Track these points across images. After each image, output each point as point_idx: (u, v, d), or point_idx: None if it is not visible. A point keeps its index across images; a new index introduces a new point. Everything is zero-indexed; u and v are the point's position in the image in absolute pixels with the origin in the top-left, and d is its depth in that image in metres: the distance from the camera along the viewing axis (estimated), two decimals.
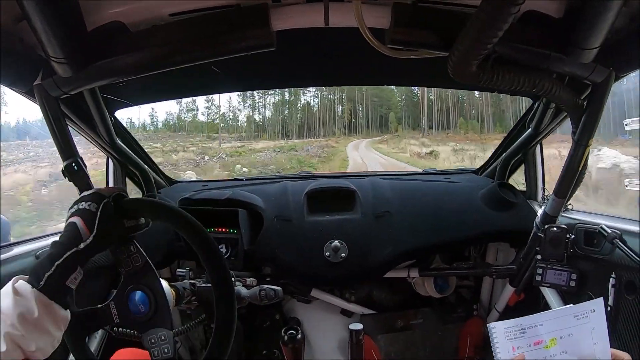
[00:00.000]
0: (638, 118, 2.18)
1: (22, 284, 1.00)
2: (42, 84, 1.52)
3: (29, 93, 1.57)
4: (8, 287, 0.98)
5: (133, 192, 2.48)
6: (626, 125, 2.17)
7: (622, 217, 1.87)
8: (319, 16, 1.48)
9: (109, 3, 1.41)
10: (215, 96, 35.70)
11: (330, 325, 2.49)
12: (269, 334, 2.40)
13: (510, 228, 2.23)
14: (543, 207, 2.00)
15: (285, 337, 2.03)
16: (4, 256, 1.61)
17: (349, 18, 1.41)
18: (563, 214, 2.02)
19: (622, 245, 1.66)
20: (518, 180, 2.55)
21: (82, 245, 1.07)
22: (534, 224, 2.02)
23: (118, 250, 1.20)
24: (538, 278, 1.97)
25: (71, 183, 1.66)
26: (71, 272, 1.05)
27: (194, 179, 2.93)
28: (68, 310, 1.05)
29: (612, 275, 1.69)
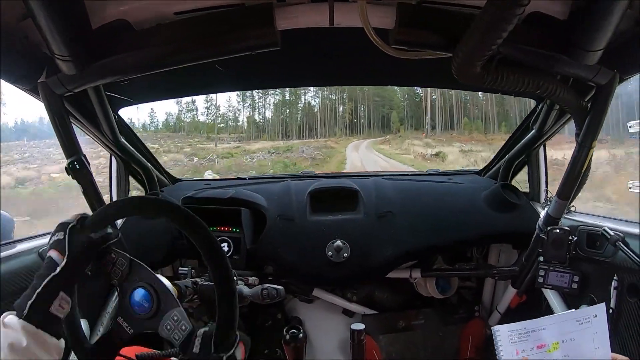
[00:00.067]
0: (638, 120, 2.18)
1: (10, 317, 1.02)
2: (47, 81, 1.52)
3: (33, 90, 1.58)
4: None
5: (135, 191, 2.49)
6: (630, 127, 2.17)
7: (625, 220, 1.87)
8: (323, 16, 1.48)
9: (113, 1, 1.42)
10: (215, 96, 35.65)
11: (332, 325, 2.49)
12: (270, 333, 2.41)
13: (512, 229, 2.23)
14: (546, 209, 2.00)
15: (287, 337, 2.04)
16: (7, 253, 1.62)
17: (354, 18, 1.41)
18: (566, 216, 2.02)
19: (625, 248, 1.66)
20: (521, 181, 2.54)
21: (58, 269, 1.09)
22: (537, 226, 2.02)
23: (101, 265, 1.21)
24: (540, 280, 1.97)
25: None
26: (53, 298, 1.06)
27: (197, 177, 2.93)
28: (62, 339, 1.07)
29: (615, 278, 1.69)
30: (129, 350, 1.47)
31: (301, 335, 2.10)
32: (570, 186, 1.83)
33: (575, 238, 1.91)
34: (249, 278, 1.58)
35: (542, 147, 2.34)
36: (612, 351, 1.43)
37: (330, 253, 2.10)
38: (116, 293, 1.21)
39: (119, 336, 1.19)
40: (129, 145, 2.22)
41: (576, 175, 1.78)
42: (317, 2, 1.47)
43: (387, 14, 1.45)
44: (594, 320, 1.49)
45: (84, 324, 1.69)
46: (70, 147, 1.69)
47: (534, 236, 2.04)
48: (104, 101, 1.93)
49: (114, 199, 2.36)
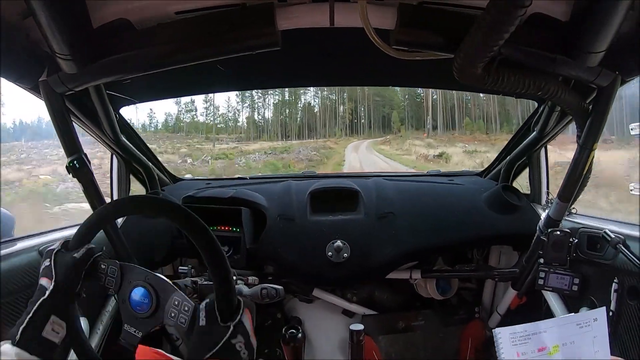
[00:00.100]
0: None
1: (5, 345, 1.03)
2: (47, 80, 1.53)
3: (34, 89, 1.58)
4: None
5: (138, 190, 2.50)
6: (632, 130, 2.17)
7: (626, 222, 1.86)
8: (324, 16, 1.48)
9: (115, 1, 1.42)
10: (214, 96, 35.42)
11: (332, 325, 2.49)
12: (270, 332, 2.40)
13: (513, 231, 2.23)
14: (547, 211, 1.99)
15: (286, 336, 2.04)
16: (7, 251, 1.62)
17: (354, 18, 1.41)
18: (567, 218, 2.02)
19: (626, 251, 1.65)
20: (522, 183, 2.54)
21: (47, 293, 1.10)
22: (537, 228, 2.02)
23: (94, 280, 1.21)
24: (540, 282, 1.97)
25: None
26: (44, 322, 1.07)
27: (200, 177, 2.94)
28: None
29: (615, 281, 1.68)
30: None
31: (300, 335, 2.10)
32: (571, 188, 1.83)
33: (576, 240, 1.90)
34: (249, 278, 1.57)
35: (543, 149, 2.34)
36: (612, 354, 1.43)
37: (330, 253, 2.10)
38: (122, 277, 1.20)
39: (130, 343, 1.18)
40: (129, 144, 2.23)
41: (577, 177, 1.78)
42: (318, 2, 1.47)
43: (388, 15, 1.45)
44: (594, 324, 1.49)
45: (84, 323, 1.70)
46: (71, 145, 1.70)
47: (535, 238, 2.03)
48: (104, 100, 1.93)
49: (115, 198, 2.36)
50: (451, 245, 2.23)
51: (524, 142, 2.33)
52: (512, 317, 2.27)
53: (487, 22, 1.20)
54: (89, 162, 1.75)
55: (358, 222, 2.20)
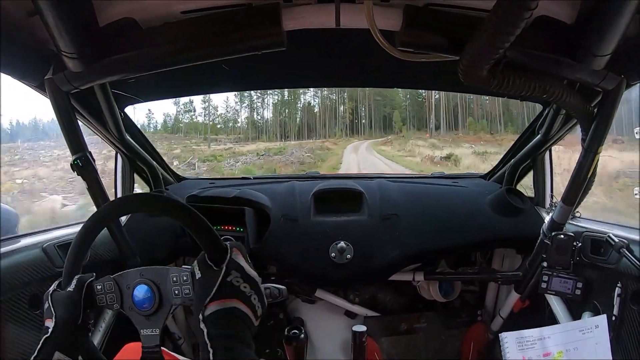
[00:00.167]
0: None
1: None
2: (53, 78, 1.53)
3: (40, 87, 1.59)
4: None
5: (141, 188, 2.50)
6: (636, 133, 2.16)
7: (631, 227, 1.86)
8: (330, 17, 1.48)
9: (121, 0, 1.42)
10: (212, 97, 35.17)
11: (334, 326, 2.49)
12: (272, 332, 2.41)
13: (517, 234, 2.22)
14: (551, 214, 1.99)
15: (289, 337, 2.04)
16: (11, 247, 1.63)
17: (360, 19, 1.41)
18: (570, 222, 2.01)
19: (629, 255, 1.65)
20: (526, 186, 2.53)
21: (49, 331, 1.10)
22: (541, 231, 2.01)
23: (96, 304, 1.20)
24: (543, 285, 1.96)
25: None
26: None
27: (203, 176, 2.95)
28: None
29: (618, 285, 1.67)
30: (134, 346, 1.48)
31: (302, 335, 2.10)
32: (576, 192, 1.82)
33: (580, 244, 1.90)
34: None
35: (547, 152, 2.33)
36: (614, 359, 1.43)
37: (333, 254, 2.10)
38: (119, 287, 1.20)
39: (153, 345, 1.17)
40: (134, 143, 2.23)
41: (582, 180, 1.77)
42: (324, 3, 1.47)
43: (394, 16, 1.45)
44: (596, 330, 1.49)
45: None
46: (76, 144, 1.71)
47: (538, 241, 2.02)
48: (110, 99, 1.93)
49: (119, 195, 2.37)
50: (454, 247, 2.22)
51: (529, 145, 2.32)
52: (514, 321, 2.26)
53: (492, 24, 1.19)
54: (94, 161, 1.75)
55: (361, 224, 2.20)
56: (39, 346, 1.08)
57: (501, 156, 2.61)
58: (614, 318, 1.65)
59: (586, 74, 1.45)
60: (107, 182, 2.01)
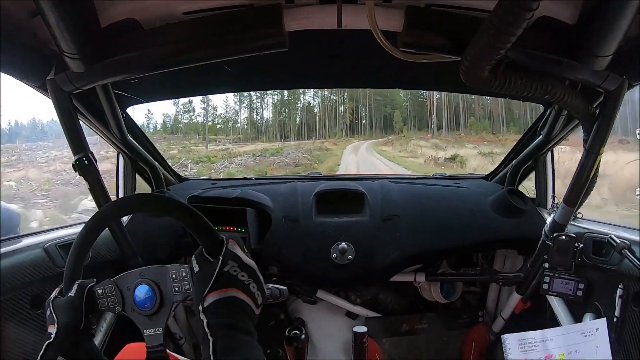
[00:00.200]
0: None
1: None
2: (55, 78, 1.54)
3: (42, 88, 1.59)
4: None
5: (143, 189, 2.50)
6: (638, 134, 2.16)
7: (632, 228, 1.85)
8: (331, 18, 1.48)
9: (122, 0, 1.43)
10: (212, 97, 34.94)
11: (335, 326, 2.49)
12: (273, 333, 2.40)
13: (518, 235, 2.22)
14: (552, 215, 1.98)
15: (289, 337, 2.04)
16: (13, 247, 1.63)
17: (362, 20, 1.40)
18: (572, 223, 2.00)
19: (631, 256, 1.64)
20: (528, 187, 2.53)
21: (52, 337, 1.10)
22: (543, 232, 2.00)
23: (98, 308, 1.20)
24: (545, 286, 1.95)
25: None
26: None
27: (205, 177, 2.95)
28: None
29: (620, 286, 1.67)
30: (133, 347, 1.48)
31: (303, 336, 2.10)
32: (577, 192, 1.82)
33: (581, 245, 1.89)
34: None
35: (549, 153, 2.33)
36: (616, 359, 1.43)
37: (334, 255, 2.10)
38: (119, 290, 1.20)
39: (157, 345, 1.17)
40: (136, 144, 2.24)
41: (583, 181, 1.76)
42: (325, 3, 1.47)
43: (395, 17, 1.45)
44: (596, 333, 1.50)
45: None
46: (78, 144, 1.71)
47: (540, 242, 2.02)
48: (112, 99, 1.94)
49: (121, 196, 2.37)
50: (456, 248, 2.22)
51: (530, 145, 2.32)
52: (516, 322, 2.26)
53: (494, 25, 1.19)
54: (96, 161, 1.76)
55: (363, 224, 2.20)
56: (41, 352, 1.08)
57: None
58: (615, 319, 1.65)
59: (588, 74, 1.45)
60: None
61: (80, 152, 1.71)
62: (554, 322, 1.99)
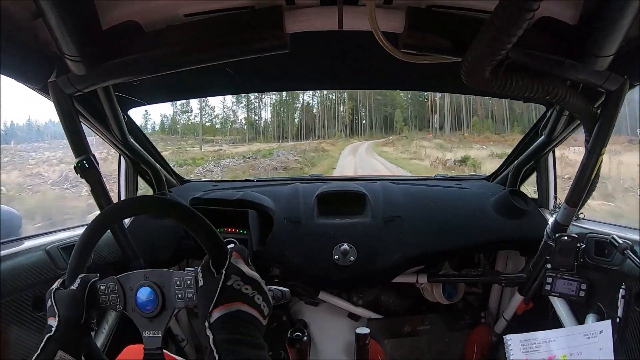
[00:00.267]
0: None
1: None
2: (56, 81, 1.54)
3: (43, 90, 1.60)
4: None
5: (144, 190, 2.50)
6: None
7: (635, 228, 1.85)
8: (332, 19, 1.48)
9: (124, 2, 1.43)
10: (209, 98, 34.76)
11: (337, 328, 2.49)
12: (275, 335, 2.40)
13: (520, 236, 2.21)
14: (554, 216, 1.98)
15: (292, 339, 2.03)
16: (15, 250, 1.63)
17: (363, 22, 1.41)
18: (574, 223, 2.00)
19: (633, 256, 1.64)
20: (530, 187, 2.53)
21: (52, 330, 1.11)
22: (545, 233, 2.00)
23: (99, 304, 1.20)
24: (547, 287, 1.95)
25: None
26: (51, 358, 1.08)
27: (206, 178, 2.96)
28: None
29: (622, 286, 1.66)
30: (133, 349, 1.48)
31: (305, 338, 2.10)
32: (579, 193, 1.81)
33: (584, 245, 1.89)
34: None
35: (551, 153, 2.33)
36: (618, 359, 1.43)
37: (336, 256, 2.10)
38: (122, 288, 1.20)
39: (155, 348, 1.17)
40: (137, 146, 2.24)
41: (585, 182, 1.76)
42: (327, 5, 1.47)
43: (396, 18, 1.45)
44: (600, 335, 1.50)
45: None
46: (79, 146, 1.71)
47: (542, 243, 2.01)
48: (113, 101, 1.94)
49: (123, 198, 2.37)
50: (458, 249, 2.21)
51: (532, 146, 2.32)
52: (518, 323, 2.26)
53: (495, 26, 1.19)
54: (97, 163, 1.76)
55: (365, 226, 2.20)
56: (42, 344, 1.08)
57: None
58: (618, 320, 1.65)
59: (589, 74, 1.45)
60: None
61: (82, 155, 1.71)
62: (556, 323, 1.99)
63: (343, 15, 1.47)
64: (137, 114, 2.25)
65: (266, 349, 0.99)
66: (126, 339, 1.50)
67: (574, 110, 1.65)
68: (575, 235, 1.90)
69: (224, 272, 1.04)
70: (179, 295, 1.14)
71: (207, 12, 1.48)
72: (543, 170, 2.39)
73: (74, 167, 1.73)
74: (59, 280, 1.21)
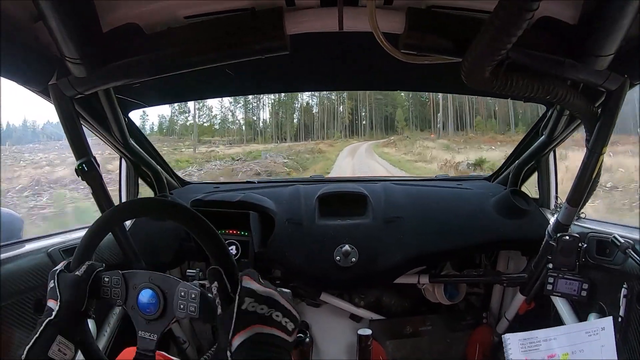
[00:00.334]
0: None
1: None
2: (57, 83, 1.54)
3: (44, 92, 1.60)
4: None
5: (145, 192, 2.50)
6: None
7: (636, 227, 1.85)
8: (333, 20, 1.49)
9: (124, 5, 1.43)
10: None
11: (339, 329, 2.49)
12: None
13: (521, 236, 2.21)
14: (555, 215, 1.97)
15: None
16: (16, 252, 1.63)
17: (363, 22, 1.41)
18: (575, 223, 2.00)
19: (635, 256, 1.64)
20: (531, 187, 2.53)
21: (53, 314, 1.11)
22: (546, 232, 2.00)
23: (100, 295, 1.20)
24: (549, 287, 1.95)
25: None
26: (50, 343, 1.08)
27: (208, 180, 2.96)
28: None
29: (624, 286, 1.66)
30: (131, 351, 1.48)
31: (307, 339, 2.10)
32: (580, 193, 1.81)
33: (585, 245, 1.89)
34: None
35: (552, 153, 2.33)
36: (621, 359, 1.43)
37: (338, 257, 2.10)
38: (126, 284, 1.20)
39: (147, 349, 1.18)
40: (138, 148, 2.24)
41: (586, 181, 1.76)
42: (327, 6, 1.48)
43: (397, 19, 1.45)
44: (602, 332, 1.49)
45: (91, 325, 1.71)
46: (80, 149, 1.72)
47: (543, 243, 2.01)
48: (114, 104, 1.94)
49: (124, 200, 2.37)
50: (459, 249, 2.21)
51: (533, 146, 2.32)
52: (520, 323, 2.26)
53: (495, 26, 1.19)
54: (98, 165, 1.76)
55: (366, 227, 2.20)
56: (41, 327, 1.09)
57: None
58: (620, 319, 1.64)
59: (589, 74, 1.45)
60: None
61: (83, 157, 1.72)
62: (558, 323, 1.99)
63: (343, 16, 1.48)
64: (134, 115, 2.24)
65: None
66: (126, 339, 1.50)
67: (574, 110, 1.65)
68: (577, 235, 1.90)
69: (236, 299, 1.01)
70: (181, 306, 1.13)
71: (207, 14, 1.49)
72: (544, 170, 2.39)
73: (75, 169, 1.73)
74: (63, 262, 1.21)
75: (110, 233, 1.85)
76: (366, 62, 2.10)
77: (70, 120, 1.66)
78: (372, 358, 2.04)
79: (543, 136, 2.23)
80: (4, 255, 1.57)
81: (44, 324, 1.09)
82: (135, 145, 2.21)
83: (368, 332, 1.99)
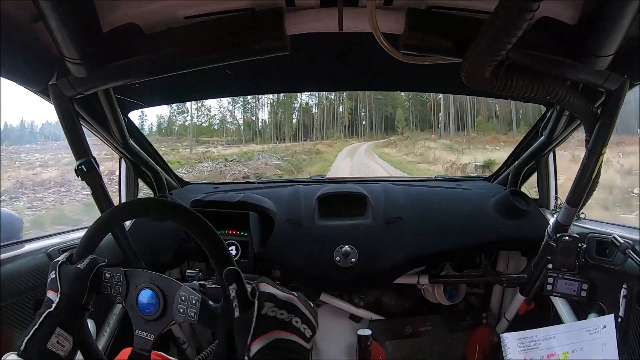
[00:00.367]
0: None
1: (11, 356, 1.06)
2: (57, 83, 1.54)
3: (44, 92, 1.60)
4: None
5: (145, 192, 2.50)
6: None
7: (636, 227, 1.85)
8: (332, 21, 1.49)
9: (124, 5, 1.43)
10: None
11: (339, 330, 2.48)
12: None
13: (521, 236, 2.21)
14: (555, 216, 1.98)
15: None
16: (15, 252, 1.63)
17: (363, 23, 1.41)
18: (575, 223, 2.00)
19: (635, 256, 1.64)
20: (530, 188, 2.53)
21: (53, 306, 1.11)
22: (546, 233, 2.00)
23: (101, 290, 1.21)
24: (549, 287, 1.95)
25: None
26: (49, 335, 1.08)
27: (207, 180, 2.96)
28: None
29: (624, 286, 1.66)
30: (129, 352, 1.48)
31: None
32: (580, 193, 1.81)
33: (585, 245, 1.89)
34: None
35: (551, 153, 2.33)
36: None
37: (337, 258, 2.10)
38: (127, 282, 1.20)
39: (143, 349, 1.18)
40: (138, 148, 2.24)
41: (586, 182, 1.76)
42: (327, 7, 1.48)
43: (396, 19, 1.46)
44: (603, 330, 1.48)
45: (90, 325, 1.71)
46: (80, 149, 1.71)
47: (543, 243, 2.01)
48: (113, 104, 1.94)
49: (123, 200, 2.37)
50: (459, 250, 2.21)
51: (532, 146, 2.32)
52: (520, 323, 2.25)
53: (495, 26, 1.19)
54: (98, 166, 1.76)
55: (366, 227, 2.20)
56: (40, 319, 1.09)
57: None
58: (619, 319, 1.64)
59: (589, 74, 1.45)
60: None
61: (83, 157, 1.71)
62: (557, 323, 1.98)
63: (343, 16, 1.48)
64: (133, 115, 2.24)
65: None
66: (126, 339, 1.50)
67: (574, 110, 1.65)
68: (577, 235, 1.90)
69: (255, 304, 0.99)
70: (181, 310, 1.13)
71: (207, 14, 1.49)
72: (544, 170, 2.39)
73: (75, 169, 1.73)
74: (65, 253, 1.21)
75: (110, 233, 1.85)
76: (366, 62, 2.10)
77: (69, 121, 1.66)
78: (371, 358, 2.04)
79: (543, 136, 2.23)
80: (4, 256, 1.57)
81: (43, 315, 1.09)
82: (134, 145, 2.21)
83: (368, 332, 1.99)
